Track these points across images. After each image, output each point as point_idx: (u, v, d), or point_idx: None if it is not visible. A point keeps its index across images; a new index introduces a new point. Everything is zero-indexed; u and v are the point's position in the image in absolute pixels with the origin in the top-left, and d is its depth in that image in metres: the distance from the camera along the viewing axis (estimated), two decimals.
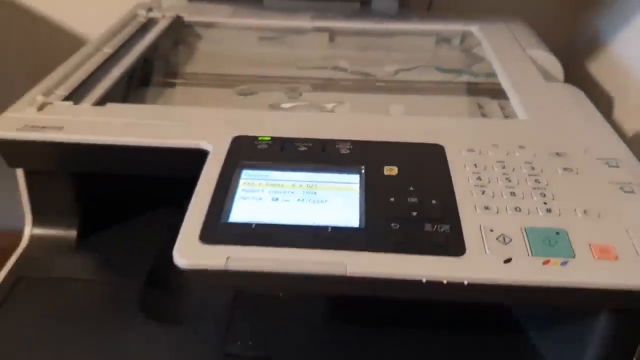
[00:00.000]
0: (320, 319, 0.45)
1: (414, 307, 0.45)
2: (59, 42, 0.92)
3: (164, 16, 0.70)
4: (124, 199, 0.53)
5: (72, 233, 0.51)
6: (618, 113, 0.68)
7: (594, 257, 0.35)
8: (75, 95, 0.51)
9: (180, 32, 0.70)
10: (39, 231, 0.51)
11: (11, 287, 0.47)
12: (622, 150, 0.44)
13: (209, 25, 0.71)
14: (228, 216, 0.37)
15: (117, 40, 0.62)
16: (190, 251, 0.35)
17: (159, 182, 0.51)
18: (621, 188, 0.40)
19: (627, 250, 0.35)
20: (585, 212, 0.38)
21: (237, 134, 0.45)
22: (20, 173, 0.49)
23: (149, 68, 0.61)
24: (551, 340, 0.43)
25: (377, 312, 0.45)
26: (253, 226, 0.37)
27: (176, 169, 0.45)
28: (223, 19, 0.71)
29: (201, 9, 0.74)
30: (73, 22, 0.91)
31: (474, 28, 0.70)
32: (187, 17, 0.71)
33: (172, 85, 0.60)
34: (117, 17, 0.68)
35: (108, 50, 0.60)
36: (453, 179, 0.41)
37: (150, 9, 0.71)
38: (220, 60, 0.66)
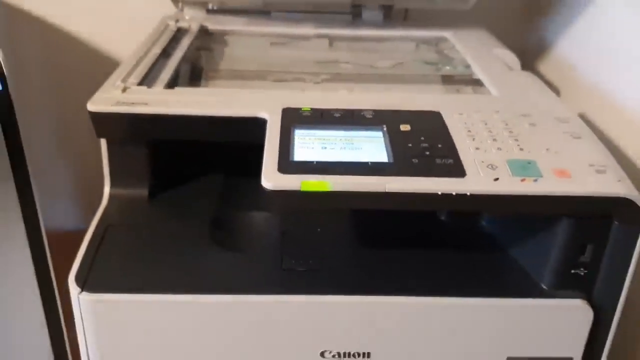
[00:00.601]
0: (353, 238, 0.60)
1: (418, 234, 0.60)
2: (79, 57, 1.03)
3: (190, 26, 0.83)
4: (187, 167, 0.66)
5: (144, 192, 0.63)
6: (562, 99, 0.85)
7: (555, 176, 0.50)
8: (146, 81, 0.63)
9: (206, 38, 0.84)
10: (116, 191, 0.63)
11: (103, 233, 0.58)
12: (569, 112, 0.60)
13: (230, 33, 0.85)
14: (293, 156, 0.51)
15: (161, 44, 0.75)
16: (273, 178, 0.48)
17: (212, 149, 0.64)
18: (571, 135, 0.56)
19: (578, 172, 0.50)
20: (547, 149, 0.53)
21: (284, 106, 0.58)
22: (103, 142, 0.61)
23: (192, 66, 0.74)
24: (522, 252, 0.58)
25: (393, 236, 0.60)
26: (314, 162, 0.50)
27: (238, 136, 0.58)
28: (241, 27, 0.85)
29: (219, 19, 0.87)
30: (96, 39, 1.02)
31: (447, 34, 0.86)
32: (210, 26, 0.85)
33: (214, 78, 0.73)
34: (138, 34, 0.81)
35: (157, 50, 0.72)
36: (450, 132, 0.55)
37: (177, 20, 0.85)
38: (245, 60, 0.80)
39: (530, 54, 0.97)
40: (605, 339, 0.56)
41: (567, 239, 0.53)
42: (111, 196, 0.62)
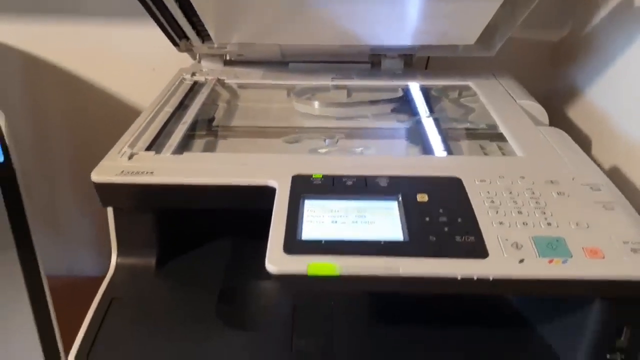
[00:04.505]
0: (368, 313, 0.56)
1: (439, 310, 0.56)
2: (99, 105, 1.03)
3: (206, 80, 0.82)
4: (194, 232, 0.63)
5: (152, 261, 0.61)
6: (595, 150, 0.81)
7: (586, 257, 0.46)
8: (154, 146, 0.62)
9: (223, 92, 0.82)
10: (123, 260, 0.61)
11: (108, 306, 0.56)
12: (601, 177, 0.56)
13: (246, 86, 0.83)
14: (301, 234, 0.48)
15: (174, 100, 0.73)
16: (278, 260, 0.45)
17: (222, 217, 0.62)
18: (603, 206, 0.51)
19: (611, 251, 0.46)
20: (577, 224, 0.49)
21: (295, 173, 0.55)
22: (110, 211, 0.59)
23: (204, 123, 0.73)
24: (552, 331, 0.53)
25: (413, 312, 0.56)
26: (322, 242, 0.47)
27: (247, 203, 0.55)
28: (257, 81, 0.83)
29: (236, 72, 0.86)
30: (117, 88, 1.02)
31: (470, 82, 0.83)
32: (227, 80, 0.83)
33: (225, 137, 0.71)
34: (158, 82, 0.80)
35: (169, 109, 0.71)
36: (472, 202, 0.52)
37: (193, 74, 0.83)
38: (259, 114, 0.78)
39: (558, 102, 0.93)
40: None
41: (601, 320, 0.48)
42: (117, 265, 0.60)
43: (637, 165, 0.73)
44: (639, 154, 0.73)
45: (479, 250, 0.46)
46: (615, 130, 0.78)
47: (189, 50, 0.86)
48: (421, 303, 0.57)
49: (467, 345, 0.53)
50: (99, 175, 0.55)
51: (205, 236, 0.65)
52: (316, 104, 0.79)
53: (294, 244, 0.47)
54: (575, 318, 0.50)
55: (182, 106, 0.73)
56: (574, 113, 0.89)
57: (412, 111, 0.78)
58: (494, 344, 0.53)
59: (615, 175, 0.72)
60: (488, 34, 0.81)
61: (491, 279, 0.44)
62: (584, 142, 0.81)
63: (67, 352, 0.61)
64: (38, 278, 0.60)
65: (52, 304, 0.61)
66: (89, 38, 0.98)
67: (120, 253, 0.60)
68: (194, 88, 0.80)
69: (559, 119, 0.87)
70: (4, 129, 0.53)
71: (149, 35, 0.89)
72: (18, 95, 1.01)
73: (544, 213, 0.50)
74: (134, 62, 1.00)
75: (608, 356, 0.49)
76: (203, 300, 0.57)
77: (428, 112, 0.76)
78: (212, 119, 0.75)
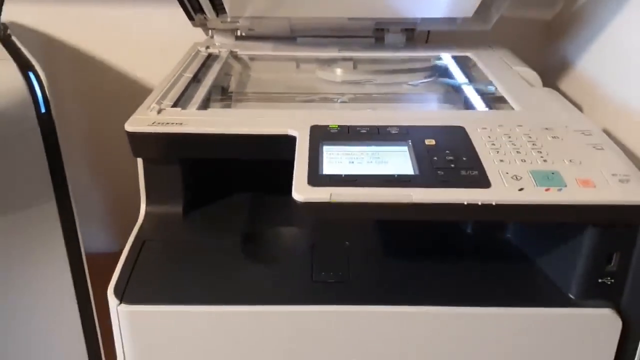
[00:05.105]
0: (381, 251, 0.61)
1: (445, 247, 0.62)
2: (114, 83, 1.08)
3: (220, 52, 0.87)
4: (217, 185, 0.68)
5: (179, 209, 0.65)
6: (586, 114, 0.86)
7: (579, 186, 0.51)
8: (179, 104, 0.66)
9: (236, 64, 0.87)
10: (152, 208, 0.65)
11: (140, 247, 0.61)
12: (591, 124, 0.61)
13: (258, 58, 0.88)
14: (323, 170, 0.53)
15: (192, 68, 0.78)
16: (304, 191, 0.50)
17: (243, 167, 0.67)
18: (594, 147, 0.57)
19: (602, 182, 0.51)
20: (570, 161, 0.54)
21: (312, 124, 0.60)
22: (140, 162, 0.64)
23: (222, 89, 0.77)
24: (549, 263, 0.59)
25: (420, 249, 0.61)
26: (342, 175, 0.52)
27: (268, 153, 0.60)
28: (268, 52, 0.89)
29: (248, 45, 0.91)
30: (131, 66, 1.07)
31: (469, 53, 0.88)
32: (240, 52, 0.88)
33: (244, 100, 0.76)
34: (171, 60, 0.84)
35: (189, 75, 0.76)
36: (474, 145, 0.57)
37: (208, 47, 0.88)
38: (273, 83, 0.83)
39: (552, 73, 0.98)
40: (636, 348, 0.56)
41: (593, 248, 0.54)
42: (147, 213, 0.65)
43: (625, 126, 0.78)
44: (626, 115, 0.78)
45: (482, 181, 0.51)
46: (605, 95, 0.84)
47: (203, 25, 0.91)
48: (428, 240, 0.62)
49: (471, 279, 0.58)
50: (132, 125, 0.60)
51: (229, 189, 0.70)
52: (339, 70, 0.84)
53: (317, 178, 0.52)
54: (569, 249, 0.55)
55: (200, 72, 0.78)
56: (567, 83, 0.95)
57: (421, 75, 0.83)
58: (496, 276, 0.58)
59: None
60: (485, 8, 0.87)
61: (494, 203, 0.50)
62: (577, 108, 0.86)
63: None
64: (73, 225, 0.65)
65: (83, 248, 0.66)
66: (104, 20, 1.02)
67: (149, 202, 0.65)
68: (209, 59, 0.84)
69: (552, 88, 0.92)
70: (45, 82, 0.58)
71: (162, 16, 0.94)
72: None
73: (540, 152, 0.55)
74: (148, 42, 1.05)
75: (599, 280, 0.54)
76: (228, 243, 0.61)
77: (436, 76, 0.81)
78: (229, 85, 0.80)
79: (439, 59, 0.89)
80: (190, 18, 0.88)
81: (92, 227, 1.17)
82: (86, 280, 0.71)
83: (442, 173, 0.52)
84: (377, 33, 0.93)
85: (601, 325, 0.55)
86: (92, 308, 0.72)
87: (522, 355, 0.56)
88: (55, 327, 0.72)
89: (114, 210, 1.18)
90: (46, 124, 0.59)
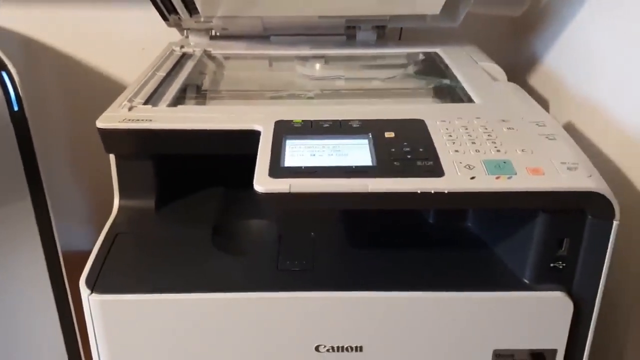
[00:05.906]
0: (345, 240, 0.64)
1: (407, 237, 0.64)
2: (90, 82, 1.10)
3: (194, 51, 0.89)
4: (188, 180, 0.70)
5: (151, 203, 0.67)
6: (552, 110, 0.89)
7: (529, 174, 0.53)
8: (151, 101, 0.68)
9: (209, 62, 0.89)
10: (125, 202, 0.67)
11: (112, 240, 0.63)
12: (546, 116, 0.64)
13: (231, 57, 0.90)
14: (284, 163, 0.55)
15: (166, 67, 0.80)
16: (265, 182, 0.52)
17: (213, 162, 0.69)
18: (546, 137, 0.59)
19: (551, 169, 0.54)
20: (522, 150, 0.57)
21: (277, 119, 0.62)
22: (112, 158, 0.65)
23: (195, 87, 0.80)
24: (505, 250, 0.61)
25: (381, 239, 0.64)
26: (302, 167, 0.54)
27: (235, 147, 0.62)
28: (241, 51, 0.91)
29: (221, 45, 0.93)
30: (107, 65, 1.09)
31: (438, 50, 0.91)
32: (213, 51, 0.90)
33: (215, 98, 0.78)
34: (146, 59, 0.86)
35: (162, 73, 0.78)
36: (432, 137, 0.59)
37: (182, 46, 0.90)
38: (244, 81, 0.85)
39: (520, 69, 1.01)
40: (587, 329, 0.59)
41: (544, 234, 0.56)
42: (120, 207, 0.67)
43: (587, 119, 0.81)
44: (588, 109, 0.81)
45: (436, 171, 0.54)
46: (570, 90, 0.87)
47: (177, 25, 0.93)
48: (391, 230, 0.65)
49: (432, 265, 0.60)
50: (103, 122, 0.62)
51: (199, 183, 0.72)
52: (317, 65, 0.86)
53: (278, 170, 0.54)
54: (524, 235, 0.58)
55: (173, 71, 0.80)
56: (535, 78, 0.98)
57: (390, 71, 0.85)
58: (455, 263, 0.61)
59: (568, 130, 0.80)
60: (452, 5, 0.89)
61: (446, 192, 0.52)
62: (543, 103, 0.89)
63: None
64: (48, 220, 0.67)
65: (59, 243, 0.68)
66: (82, 21, 1.04)
67: (122, 197, 0.67)
68: (183, 58, 0.86)
69: (521, 84, 0.95)
70: (17, 81, 0.60)
71: (139, 17, 0.96)
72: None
73: (494, 143, 0.58)
74: (125, 43, 1.07)
75: (551, 265, 0.57)
76: (199, 235, 0.63)
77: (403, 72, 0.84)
78: (201, 83, 0.82)
79: (408, 55, 0.92)
80: (165, 18, 0.90)
81: (69, 224, 1.18)
82: (63, 278, 0.72)
83: (399, 164, 0.55)
84: (348, 31, 0.96)
85: (554, 307, 0.57)
86: (69, 305, 0.74)
87: (481, 337, 0.59)
88: (33, 325, 0.73)
89: (91, 208, 1.20)
90: (19, 122, 0.61)
